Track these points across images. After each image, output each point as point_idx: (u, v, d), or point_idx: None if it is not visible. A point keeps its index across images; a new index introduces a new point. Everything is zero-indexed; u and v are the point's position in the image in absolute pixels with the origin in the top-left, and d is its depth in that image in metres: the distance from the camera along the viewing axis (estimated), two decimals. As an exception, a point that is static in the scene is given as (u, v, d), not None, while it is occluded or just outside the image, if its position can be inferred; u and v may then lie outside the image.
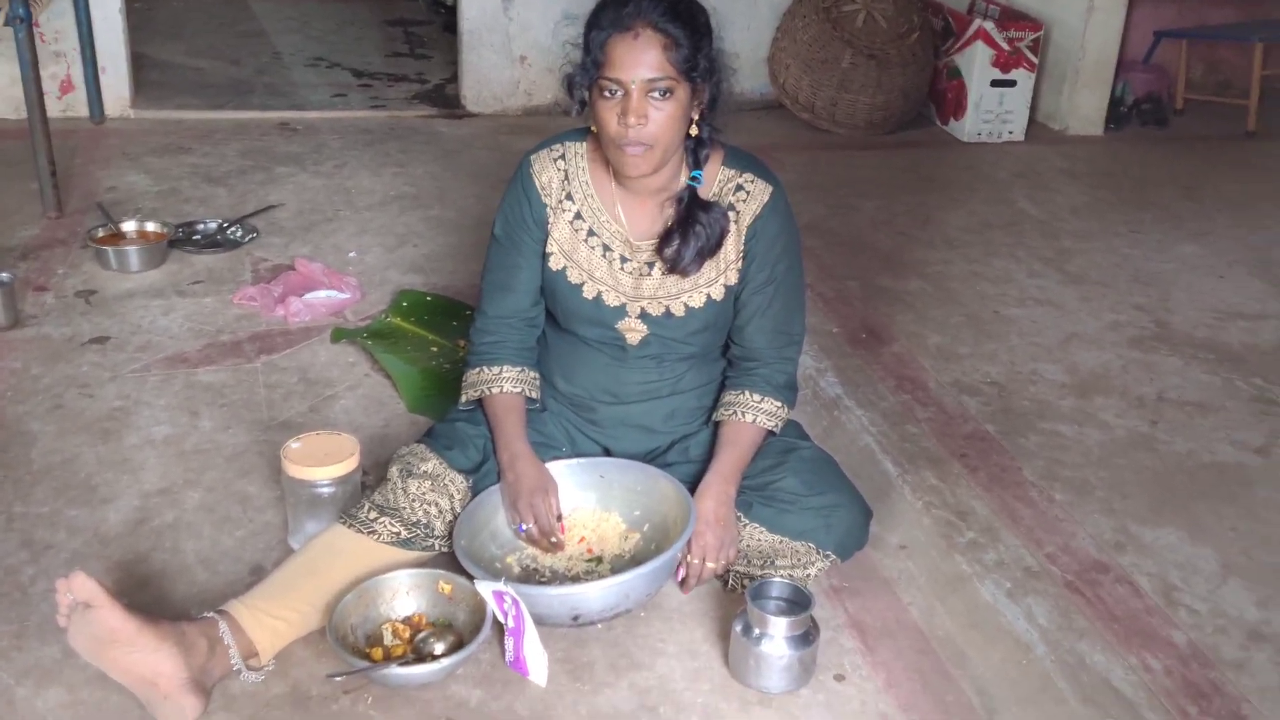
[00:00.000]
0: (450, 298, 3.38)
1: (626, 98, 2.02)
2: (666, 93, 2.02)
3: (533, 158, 2.26)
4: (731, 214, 2.21)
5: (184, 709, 1.84)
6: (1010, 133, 5.26)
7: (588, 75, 2.05)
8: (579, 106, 2.13)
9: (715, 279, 2.25)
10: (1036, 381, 3.12)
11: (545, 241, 2.26)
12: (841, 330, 3.32)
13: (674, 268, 2.22)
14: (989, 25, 5.07)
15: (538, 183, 2.24)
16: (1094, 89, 5.39)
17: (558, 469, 2.29)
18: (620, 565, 2.25)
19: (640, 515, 2.30)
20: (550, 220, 2.25)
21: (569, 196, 2.24)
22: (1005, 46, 5.09)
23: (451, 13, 6.10)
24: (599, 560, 2.26)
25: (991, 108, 5.18)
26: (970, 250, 4.00)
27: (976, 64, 5.11)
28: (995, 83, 5.15)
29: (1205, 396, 3.10)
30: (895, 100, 5.15)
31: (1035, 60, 5.17)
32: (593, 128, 2.15)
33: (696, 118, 2.12)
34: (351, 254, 3.68)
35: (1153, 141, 5.47)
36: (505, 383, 2.28)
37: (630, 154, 2.06)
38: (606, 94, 2.03)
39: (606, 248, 2.25)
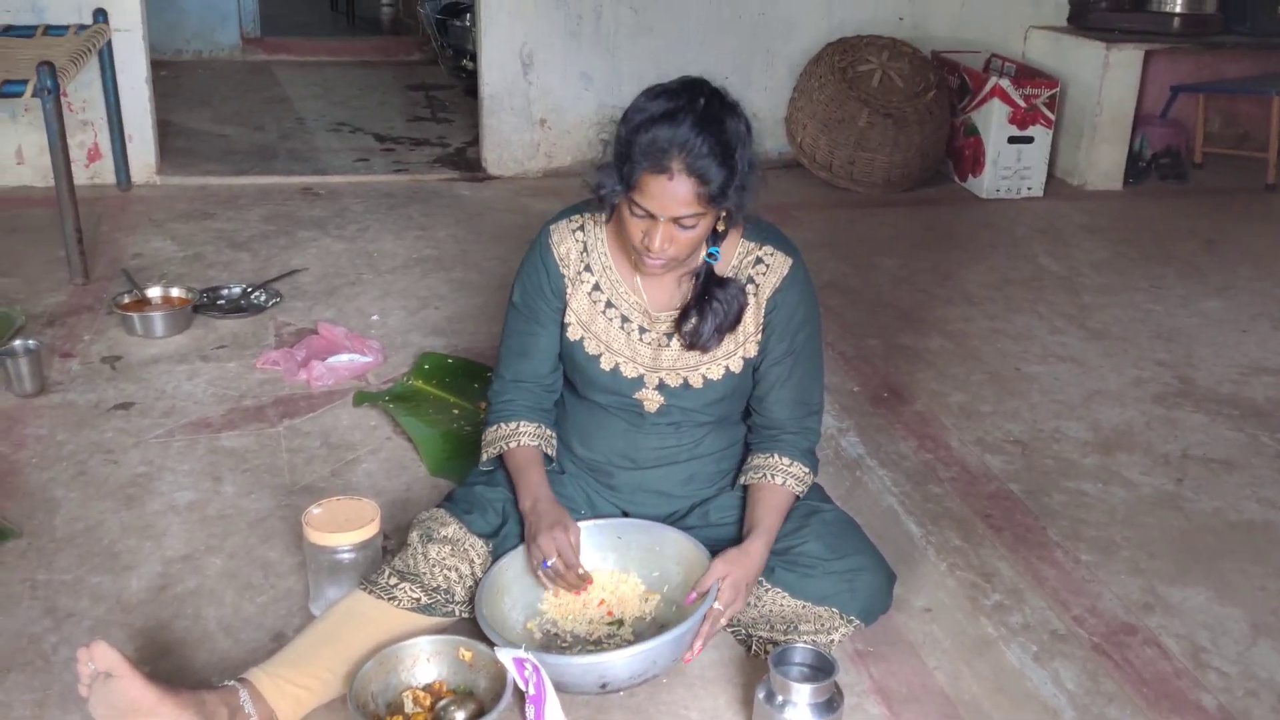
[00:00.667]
0: (472, 360, 3.39)
1: (654, 224, 2.02)
2: (695, 221, 2.04)
3: (552, 228, 2.27)
4: (751, 287, 2.21)
5: (204, 779, 1.83)
6: (1029, 189, 5.27)
7: (617, 193, 2.04)
8: (607, 210, 2.14)
9: (734, 351, 2.24)
10: (1060, 439, 3.10)
11: (563, 311, 2.27)
12: (863, 389, 3.31)
13: (693, 344, 2.21)
14: (1005, 83, 5.10)
15: (556, 254, 2.25)
16: (1112, 144, 5.40)
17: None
18: (641, 627, 2.24)
19: (659, 576, 2.29)
20: (568, 291, 2.26)
21: (588, 268, 2.25)
22: (1022, 103, 5.11)
23: (472, 77, 6.18)
24: (620, 623, 2.24)
25: (1009, 164, 5.20)
26: (991, 307, 4.00)
27: (994, 121, 5.14)
28: (1013, 139, 5.17)
29: (1230, 453, 3.07)
30: (913, 158, 5.18)
31: (1052, 116, 5.20)
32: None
33: (722, 218, 2.13)
34: (374, 317, 3.70)
35: (1172, 196, 5.47)
36: (524, 437, 2.28)
37: (650, 263, 2.09)
38: (635, 213, 2.03)
39: (625, 319, 2.25)
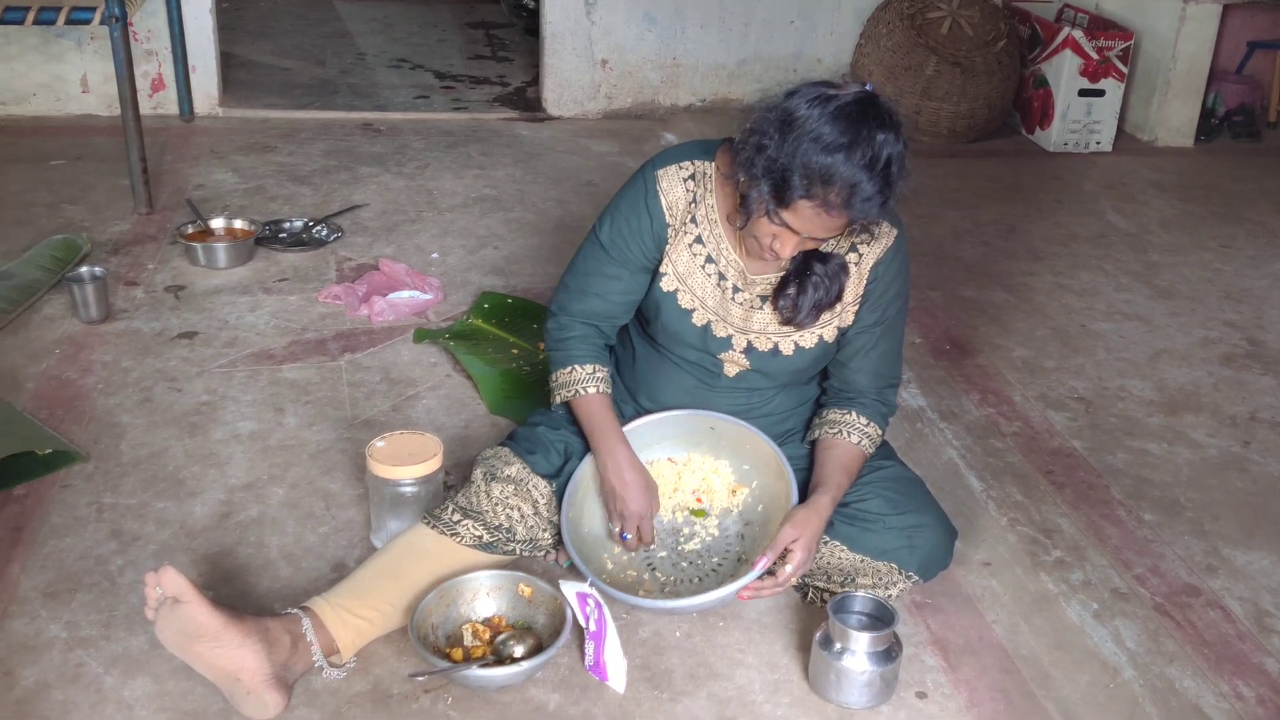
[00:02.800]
0: (531, 300, 3.39)
1: (789, 235, 1.96)
2: (833, 240, 2.02)
3: (659, 173, 2.15)
4: (854, 255, 2.13)
5: (266, 704, 1.86)
6: (1098, 143, 5.16)
7: (763, 199, 1.93)
8: (743, 218, 2.02)
9: (830, 320, 2.19)
10: (1125, 398, 3.06)
11: (660, 261, 2.19)
12: (924, 341, 3.27)
13: (789, 319, 2.15)
14: (1078, 34, 4.98)
15: (664, 200, 2.14)
16: (1185, 100, 5.27)
17: (669, 419, 2.29)
18: (726, 521, 2.28)
19: (749, 470, 2.29)
20: (670, 240, 2.18)
21: (693, 220, 2.15)
22: (1094, 55, 5.00)
23: (533, 16, 6.12)
24: (704, 514, 2.29)
25: (1079, 117, 5.09)
26: (1056, 262, 3.93)
27: (1064, 73, 5.03)
28: (1083, 92, 5.06)
29: (1300, 417, 3.02)
30: (980, 109, 5.08)
31: (1125, 70, 5.08)
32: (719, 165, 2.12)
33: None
34: (434, 255, 3.70)
35: (1244, 155, 5.34)
36: (599, 383, 2.23)
37: (768, 260, 2.05)
38: (774, 222, 1.95)
39: (722, 276, 2.17)
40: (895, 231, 2.16)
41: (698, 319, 2.20)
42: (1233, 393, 3.12)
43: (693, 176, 2.14)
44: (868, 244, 2.14)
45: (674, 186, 2.14)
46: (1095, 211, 4.47)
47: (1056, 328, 3.44)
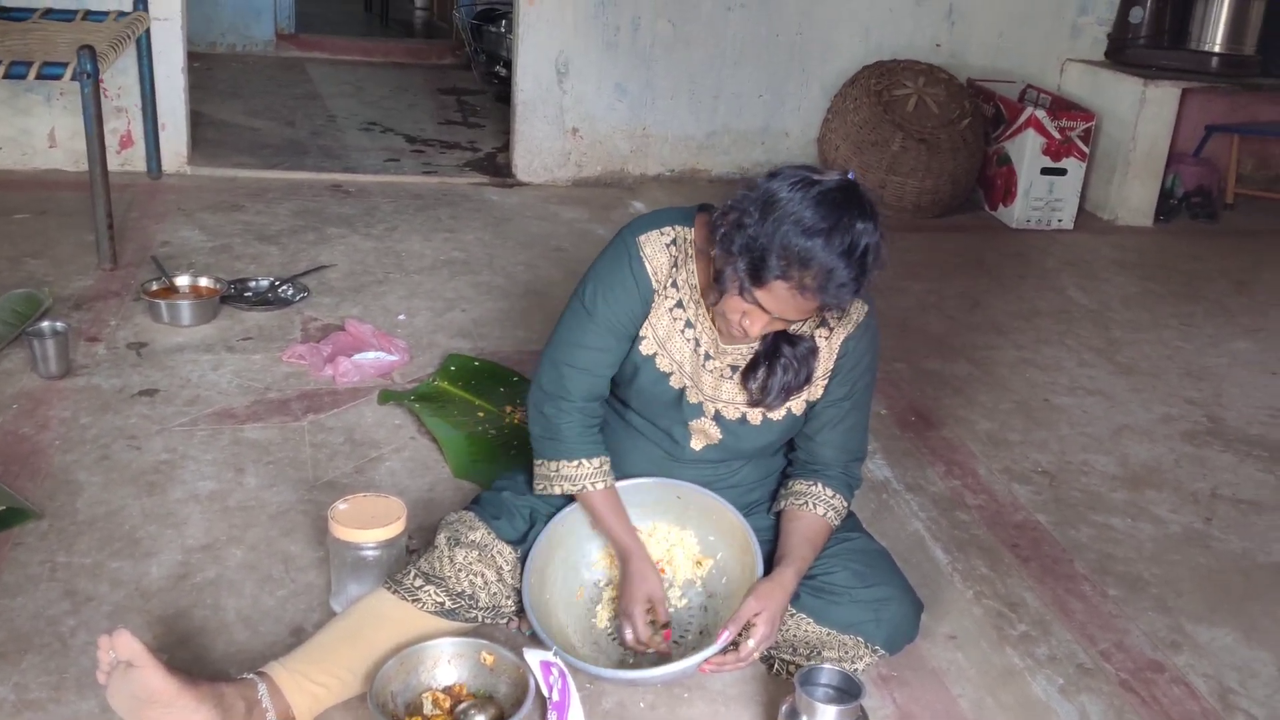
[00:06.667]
0: (498, 363, 3.37)
1: (760, 314, 1.96)
2: (804, 323, 2.05)
3: (641, 238, 2.12)
4: (824, 330, 2.12)
5: (219, 771, 1.81)
6: (1059, 221, 5.25)
7: (738, 276, 1.92)
8: (715, 295, 2.01)
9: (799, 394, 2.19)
10: (1088, 472, 3.07)
11: (641, 325, 2.17)
12: (890, 412, 3.28)
13: (758, 402, 2.15)
14: (1041, 114, 5.08)
15: (649, 266, 2.12)
16: (1144, 180, 5.38)
17: (635, 487, 2.27)
18: (691, 593, 2.26)
19: (715, 540, 2.27)
20: (654, 304, 2.15)
21: (674, 284, 2.14)
22: (1057, 135, 5.09)
23: (504, 83, 6.19)
24: (670, 585, 2.26)
25: (1041, 195, 5.18)
26: (1019, 337, 3.97)
27: (1027, 151, 5.12)
28: (1045, 170, 5.15)
29: (1260, 495, 3.04)
30: (944, 185, 5.16)
31: (1086, 150, 5.17)
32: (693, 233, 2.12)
33: None
34: (400, 316, 3.69)
35: (1203, 235, 5.44)
36: (605, 477, 2.20)
37: (733, 335, 2.06)
38: (745, 299, 1.94)
39: (698, 342, 2.16)
40: (866, 307, 2.16)
41: (675, 382, 2.19)
42: (1194, 469, 3.15)
43: (674, 242, 2.13)
44: (838, 319, 2.14)
45: (657, 252, 2.12)
46: (1057, 287, 4.53)
47: (1020, 401, 3.46)
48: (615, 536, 2.20)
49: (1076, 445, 3.22)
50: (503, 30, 6.80)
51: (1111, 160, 5.39)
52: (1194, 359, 3.92)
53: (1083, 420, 3.38)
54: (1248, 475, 3.14)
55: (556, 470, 2.20)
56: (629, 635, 2.16)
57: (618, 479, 2.29)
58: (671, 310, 2.15)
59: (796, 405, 2.19)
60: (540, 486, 2.23)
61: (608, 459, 2.22)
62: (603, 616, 2.26)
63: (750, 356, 2.16)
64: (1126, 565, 2.67)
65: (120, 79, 4.76)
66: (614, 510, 2.20)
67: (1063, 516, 2.84)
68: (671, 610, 2.24)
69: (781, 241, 1.86)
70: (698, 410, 2.21)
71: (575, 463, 2.19)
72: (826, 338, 2.14)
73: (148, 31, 4.65)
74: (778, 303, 1.92)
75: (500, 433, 2.96)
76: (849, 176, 1.93)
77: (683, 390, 2.19)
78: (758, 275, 1.90)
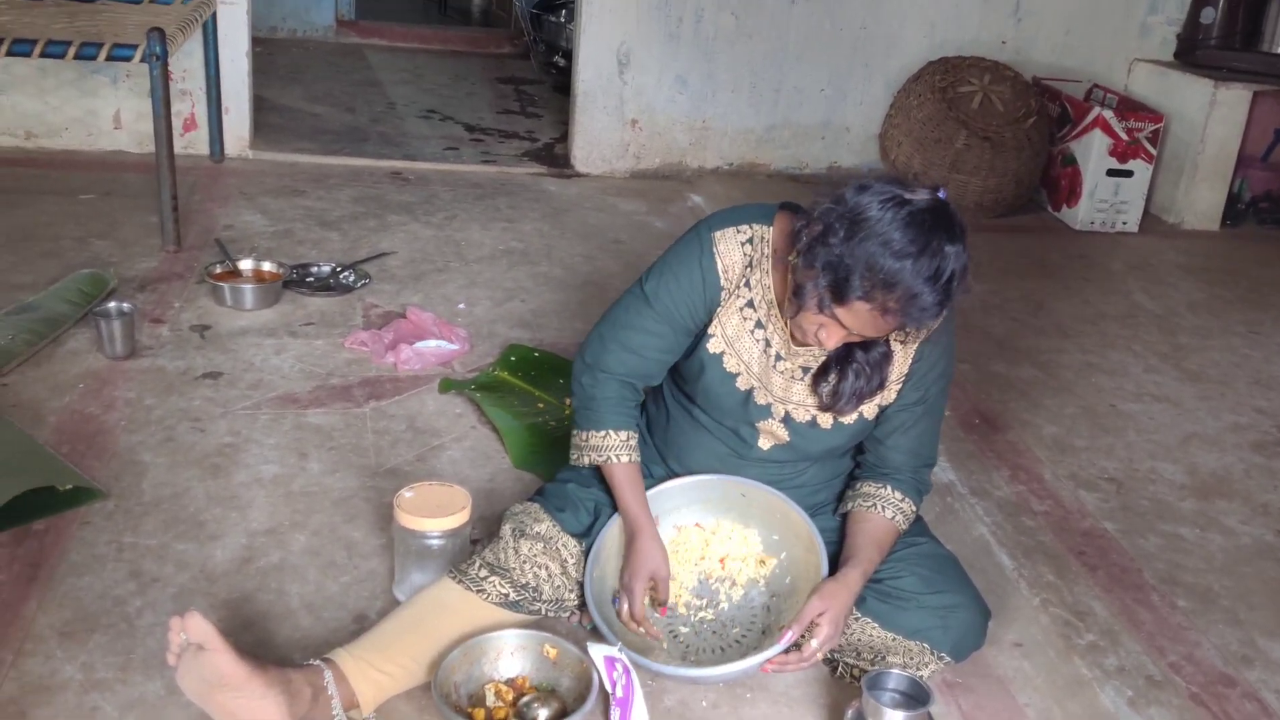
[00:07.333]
0: (557, 354, 3.36)
1: (837, 328, 1.93)
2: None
3: (717, 235, 2.09)
4: (900, 333, 2.04)
5: (283, 757, 1.81)
6: (1124, 223, 5.16)
7: (818, 294, 1.89)
8: (793, 308, 1.99)
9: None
10: (1156, 480, 3.02)
11: (708, 323, 2.14)
12: (954, 414, 3.24)
13: (829, 406, 2.12)
14: (1108, 114, 5.00)
15: (721, 264, 2.09)
16: (1212, 184, 5.28)
17: (699, 483, 2.25)
18: (752, 590, 2.23)
19: (778, 540, 2.25)
20: (722, 303, 2.13)
21: (746, 283, 2.12)
22: (1124, 136, 5.01)
23: (563, 73, 6.17)
24: (732, 583, 2.24)
25: (1106, 197, 5.10)
26: (1084, 340, 3.91)
27: (1094, 152, 5.03)
28: (1111, 172, 5.06)
29: (1333, 508, 2.98)
30: (1007, 184, 5.09)
31: (1154, 151, 5.08)
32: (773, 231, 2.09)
33: None
34: (460, 305, 3.69)
35: (1270, 241, 5.33)
36: (631, 451, 2.20)
37: (808, 344, 2.05)
38: (825, 313, 1.91)
39: (768, 343, 2.14)
40: (944, 312, 2.13)
41: (741, 383, 2.16)
42: (1264, 480, 3.08)
43: (750, 240, 2.10)
44: (917, 338, 2.10)
45: (731, 250, 2.10)
46: (1122, 291, 4.46)
47: (1086, 406, 3.41)
48: (628, 509, 2.18)
49: (1144, 452, 3.16)
50: (562, 20, 6.78)
51: (1179, 163, 5.29)
52: (1262, 367, 3.84)
53: (1150, 427, 3.32)
54: (1320, 488, 3.08)
55: (586, 440, 2.21)
56: (624, 610, 2.14)
57: (682, 474, 2.28)
58: (742, 310, 2.13)
59: (868, 409, 2.16)
60: (574, 457, 2.25)
61: (636, 435, 2.22)
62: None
63: (822, 359, 2.13)
64: (1196, 576, 2.61)
65: (185, 62, 4.79)
66: (632, 485, 2.19)
67: (1130, 525, 2.79)
68: (731, 607, 2.22)
69: (867, 262, 1.82)
70: (766, 412, 2.18)
71: (603, 433, 2.19)
72: (902, 341, 2.11)
73: (214, 15, 4.68)
74: (858, 321, 1.90)
75: (560, 424, 2.94)
76: (940, 196, 1.89)
77: (750, 391, 2.17)
78: (840, 294, 1.87)
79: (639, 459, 2.22)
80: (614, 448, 2.19)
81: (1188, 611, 2.48)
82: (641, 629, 2.14)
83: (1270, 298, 4.53)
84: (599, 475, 2.26)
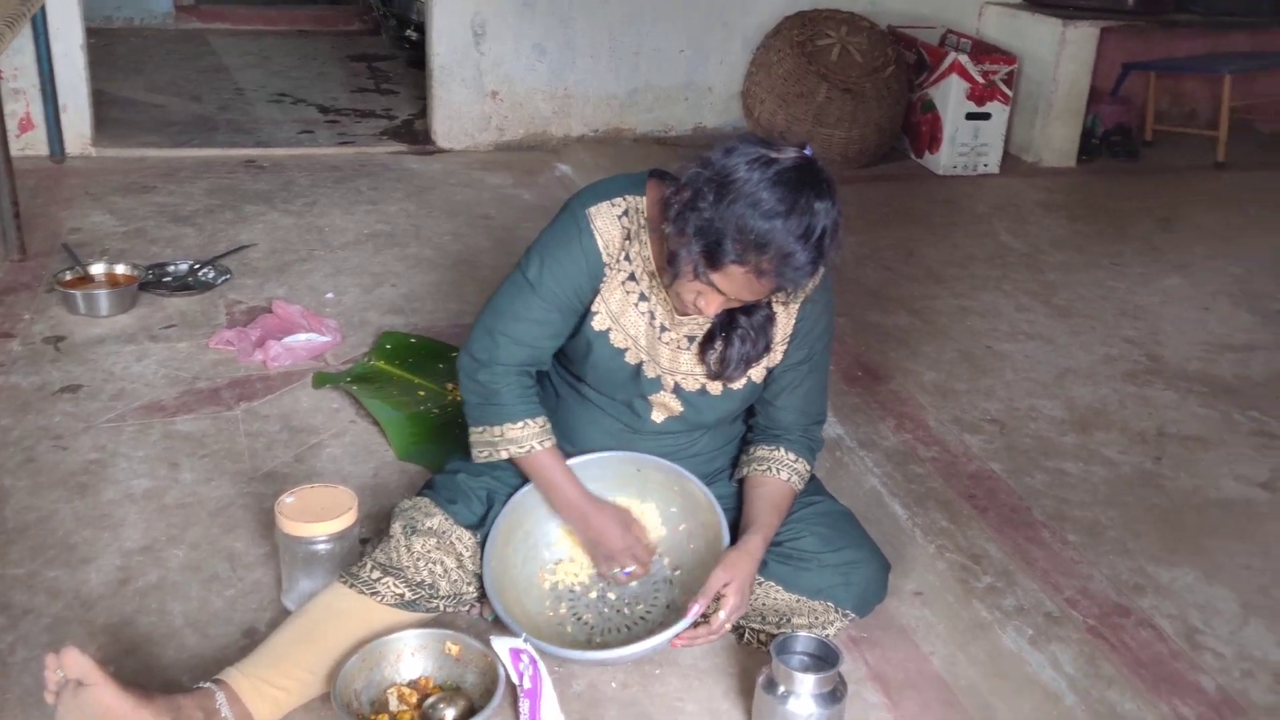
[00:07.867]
0: (434, 338, 3.28)
1: (715, 294, 1.90)
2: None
3: (592, 210, 2.05)
4: (781, 294, 1.99)
5: (180, 788, 1.73)
6: (985, 165, 5.24)
7: (692, 261, 1.86)
8: (669, 276, 1.96)
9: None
10: (1036, 418, 3.07)
11: (592, 300, 2.10)
12: (836, 368, 3.24)
13: (718, 375, 2.10)
14: (963, 58, 5.06)
15: (600, 240, 2.04)
16: (1066, 121, 5.39)
17: (593, 461, 2.22)
18: (656, 565, 2.21)
19: (677, 512, 2.23)
20: (605, 278, 2.09)
21: (626, 256, 2.07)
22: (980, 80, 5.08)
23: (416, 48, 6.01)
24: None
25: (967, 140, 5.17)
26: (956, 284, 3.96)
27: (951, 97, 5.10)
28: (970, 115, 5.14)
29: (1204, 430, 3.06)
30: (870, 134, 5.12)
31: (1009, 93, 5.17)
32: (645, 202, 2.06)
33: None
34: (329, 295, 3.57)
35: (1124, 173, 5.48)
36: (548, 436, 2.13)
37: (687, 314, 2.02)
38: (699, 280, 1.89)
39: (652, 315, 2.10)
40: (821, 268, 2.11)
41: (630, 358, 2.13)
42: (1139, 409, 3.16)
43: (625, 213, 2.05)
44: (795, 299, 2.08)
45: (609, 225, 2.05)
46: (989, 233, 4.53)
47: (963, 350, 3.45)
48: (565, 493, 2.13)
49: (1022, 391, 3.22)
50: (412, -7, 6.61)
51: (1034, 102, 5.39)
52: (1128, 298, 3.94)
53: (1026, 365, 3.38)
54: (1191, 412, 3.16)
55: (501, 435, 2.13)
56: (639, 572, 2.16)
57: (575, 454, 2.23)
58: (624, 284, 2.09)
59: (756, 373, 2.15)
60: (483, 454, 2.15)
61: (547, 418, 2.15)
62: (564, 597, 2.20)
63: (707, 327, 2.10)
64: (1083, 510, 2.67)
65: (16, 59, 4.53)
66: (563, 468, 2.14)
67: (1016, 464, 2.84)
68: (635, 585, 2.19)
69: (738, 225, 1.80)
70: (656, 384, 2.15)
71: (520, 424, 2.12)
72: (784, 303, 2.08)
73: (43, 8, 4.44)
74: (734, 285, 1.87)
75: (444, 411, 2.87)
76: (806, 152, 1.87)
77: (639, 365, 2.13)
78: (713, 259, 1.84)
79: (554, 442, 2.15)
80: (533, 436, 2.12)
81: (1078, 545, 2.53)
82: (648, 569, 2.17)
83: (1128, 229, 4.65)
84: (491, 463, 2.19)
